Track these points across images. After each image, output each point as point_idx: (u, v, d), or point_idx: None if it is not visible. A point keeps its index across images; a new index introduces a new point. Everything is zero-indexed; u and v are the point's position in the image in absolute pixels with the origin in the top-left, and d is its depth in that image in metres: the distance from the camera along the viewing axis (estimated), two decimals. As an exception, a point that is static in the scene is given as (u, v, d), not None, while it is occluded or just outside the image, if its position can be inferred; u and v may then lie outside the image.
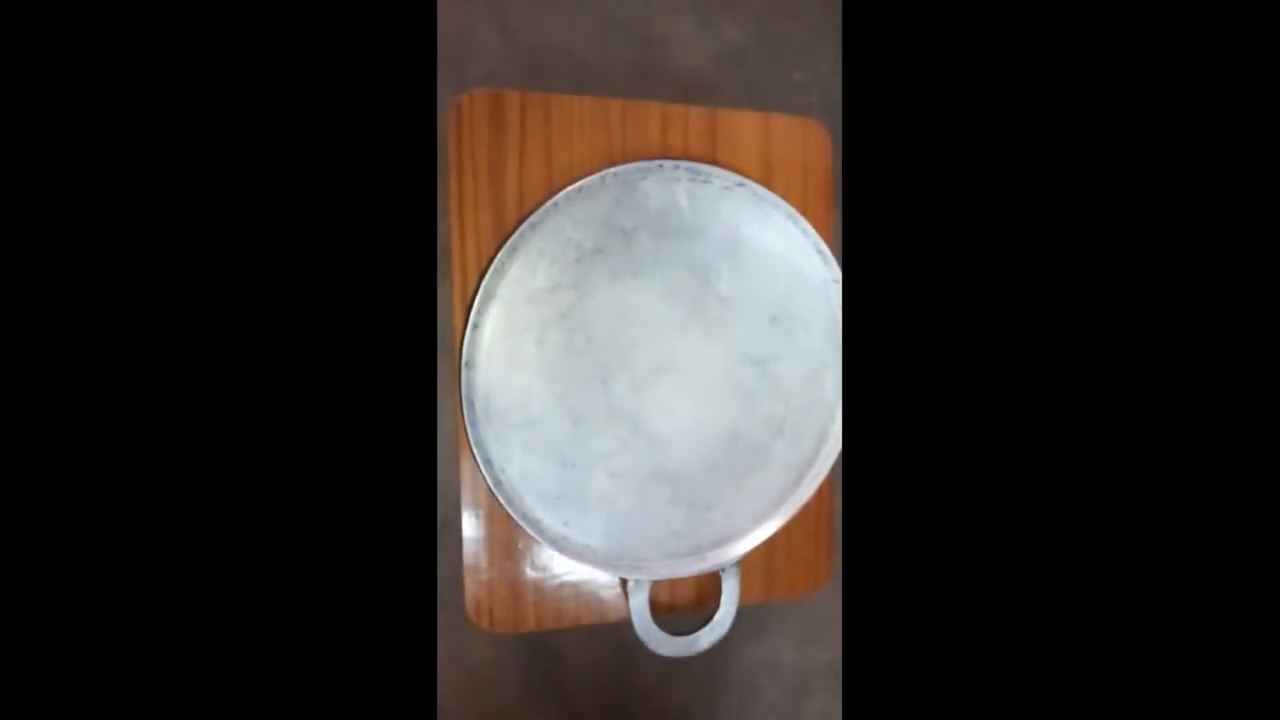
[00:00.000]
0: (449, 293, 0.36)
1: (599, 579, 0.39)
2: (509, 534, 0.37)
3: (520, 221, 0.35)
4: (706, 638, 0.39)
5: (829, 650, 0.71)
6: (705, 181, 0.37)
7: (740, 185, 0.38)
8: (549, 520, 0.37)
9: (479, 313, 0.35)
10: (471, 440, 0.35)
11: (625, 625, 0.38)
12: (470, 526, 0.37)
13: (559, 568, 0.38)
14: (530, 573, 0.38)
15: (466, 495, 0.37)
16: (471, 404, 0.35)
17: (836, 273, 0.39)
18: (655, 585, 0.39)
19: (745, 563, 0.40)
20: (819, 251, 0.39)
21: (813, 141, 0.41)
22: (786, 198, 0.38)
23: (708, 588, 0.40)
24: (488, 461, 0.36)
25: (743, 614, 0.40)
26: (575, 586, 0.39)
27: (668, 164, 0.37)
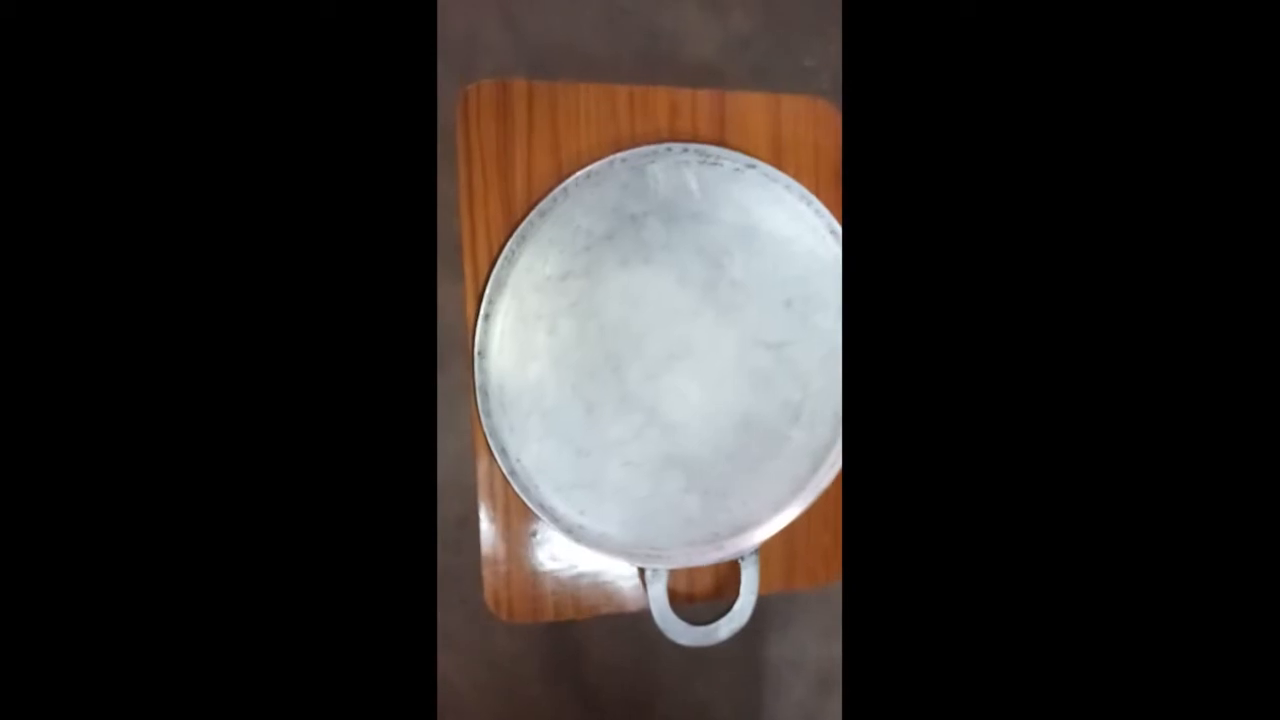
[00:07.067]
0: (460, 284, 0.36)
1: (617, 569, 0.39)
2: (526, 524, 0.37)
3: (529, 210, 0.35)
4: (726, 627, 0.38)
5: (854, 643, 0.69)
6: (715, 164, 0.37)
7: (750, 167, 0.37)
8: (565, 509, 0.37)
9: (490, 302, 0.35)
10: (486, 430, 0.35)
11: (646, 616, 0.38)
12: (487, 517, 0.37)
13: (577, 558, 0.38)
14: (548, 563, 0.38)
15: (483, 486, 0.37)
16: (485, 393, 0.35)
17: (851, 254, 0.39)
18: (674, 575, 0.38)
19: (764, 551, 0.39)
20: (833, 232, 0.38)
21: (823, 121, 0.40)
22: (798, 179, 0.38)
23: (727, 577, 0.40)
24: (503, 451, 0.35)
25: (766, 607, 0.39)
26: (593, 576, 0.38)
27: (676, 147, 0.36)
